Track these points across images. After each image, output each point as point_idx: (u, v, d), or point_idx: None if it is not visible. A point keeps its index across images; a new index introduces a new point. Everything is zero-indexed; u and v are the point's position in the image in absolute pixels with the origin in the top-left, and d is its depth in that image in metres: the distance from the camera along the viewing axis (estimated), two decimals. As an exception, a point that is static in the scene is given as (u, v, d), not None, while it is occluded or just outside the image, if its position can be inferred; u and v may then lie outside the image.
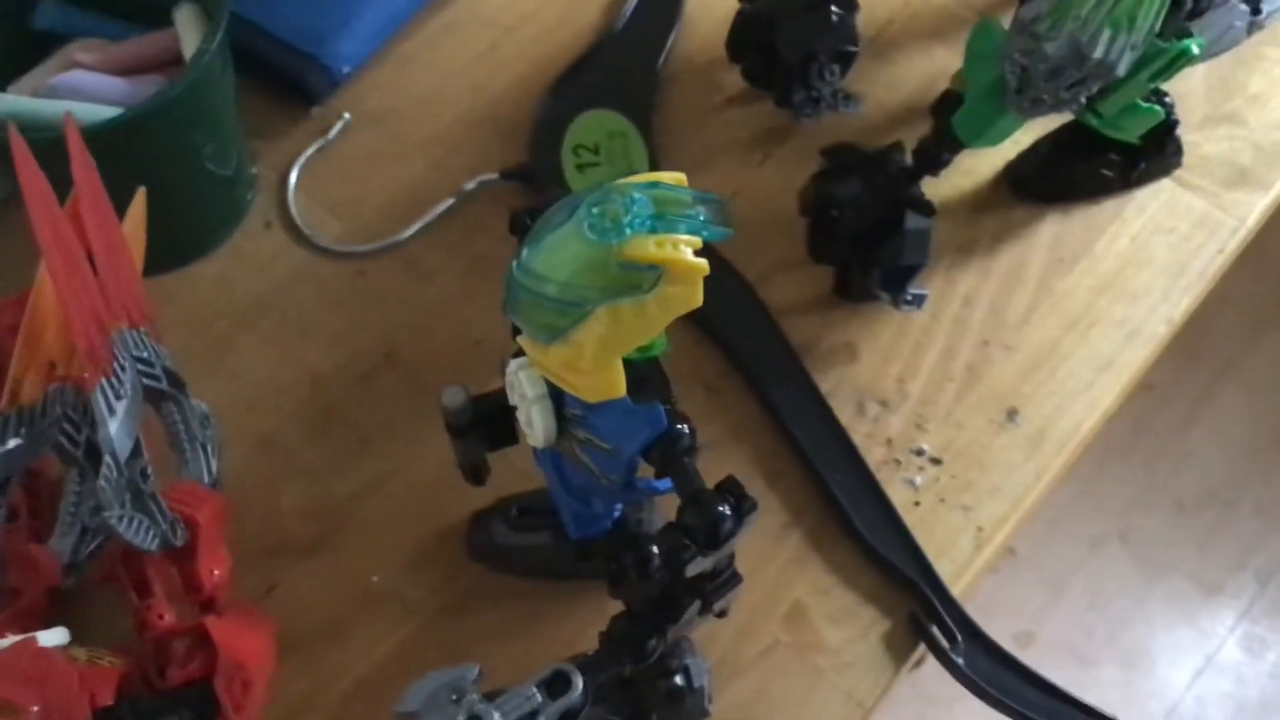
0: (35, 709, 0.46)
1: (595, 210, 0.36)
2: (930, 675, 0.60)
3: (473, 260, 0.72)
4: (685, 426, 0.40)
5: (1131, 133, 0.64)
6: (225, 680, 0.50)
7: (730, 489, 0.39)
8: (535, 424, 0.41)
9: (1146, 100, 0.62)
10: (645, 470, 0.43)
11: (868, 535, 0.62)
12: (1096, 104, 0.61)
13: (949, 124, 0.61)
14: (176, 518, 0.54)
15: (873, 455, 0.65)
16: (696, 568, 0.40)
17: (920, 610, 0.60)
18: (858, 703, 0.59)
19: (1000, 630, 1.43)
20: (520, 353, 0.51)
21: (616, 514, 0.46)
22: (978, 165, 0.73)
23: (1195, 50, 0.58)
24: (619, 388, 0.38)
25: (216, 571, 0.56)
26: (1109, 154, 0.71)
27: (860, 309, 0.69)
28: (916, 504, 0.63)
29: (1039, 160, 0.72)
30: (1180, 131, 0.72)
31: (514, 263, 0.38)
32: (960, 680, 0.58)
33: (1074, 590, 1.66)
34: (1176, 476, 1.70)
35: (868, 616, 0.61)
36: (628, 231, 0.35)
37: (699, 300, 0.36)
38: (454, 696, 0.40)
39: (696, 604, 0.43)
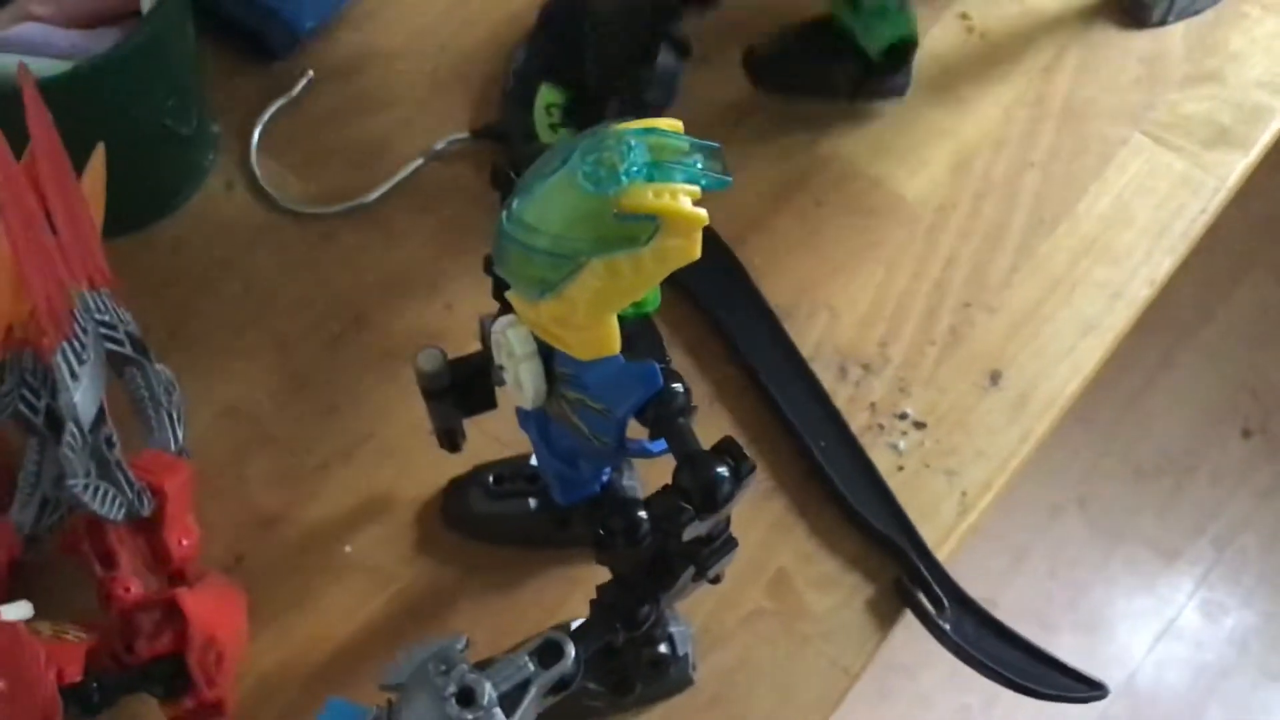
0: (1, 685, 0.44)
1: (590, 158, 0.34)
2: (895, 641, 0.60)
3: (443, 222, 0.70)
4: (680, 386, 0.39)
5: (877, 40, 0.64)
6: (197, 654, 0.49)
7: (728, 450, 0.38)
8: (524, 384, 0.39)
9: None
10: (637, 432, 0.42)
11: (852, 500, 0.61)
12: None
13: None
14: (143, 487, 0.52)
15: (856, 420, 0.64)
16: (693, 532, 0.38)
17: (905, 576, 0.59)
18: (843, 669, 0.59)
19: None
20: (504, 311, 0.50)
21: (605, 478, 0.45)
22: (959, 125, 0.72)
23: None
24: (613, 344, 0.36)
25: (185, 542, 0.55)
26: (844, 60, 0.69)
27: (839, 272, 0.68)
28: (900, 469, 0.63)
29: (776, 45, 0.70)
30: (915, 59, 0.71)
31: (503, 214, 0.36)
32: (947, 646, 0.58)
33: (1034, 557, 1.66)
34: (1134, 444, 1.71)
35: (851, 583, 0.60)
36: (624, 180, 0.34)
37: (697, 253, 0.35)
38: (443, 668, 0.38)
39: (690, 570, 0.42)
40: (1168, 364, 1.77)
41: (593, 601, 0.43)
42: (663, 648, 0.56)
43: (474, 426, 0.57)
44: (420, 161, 0.71)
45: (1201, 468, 1.70)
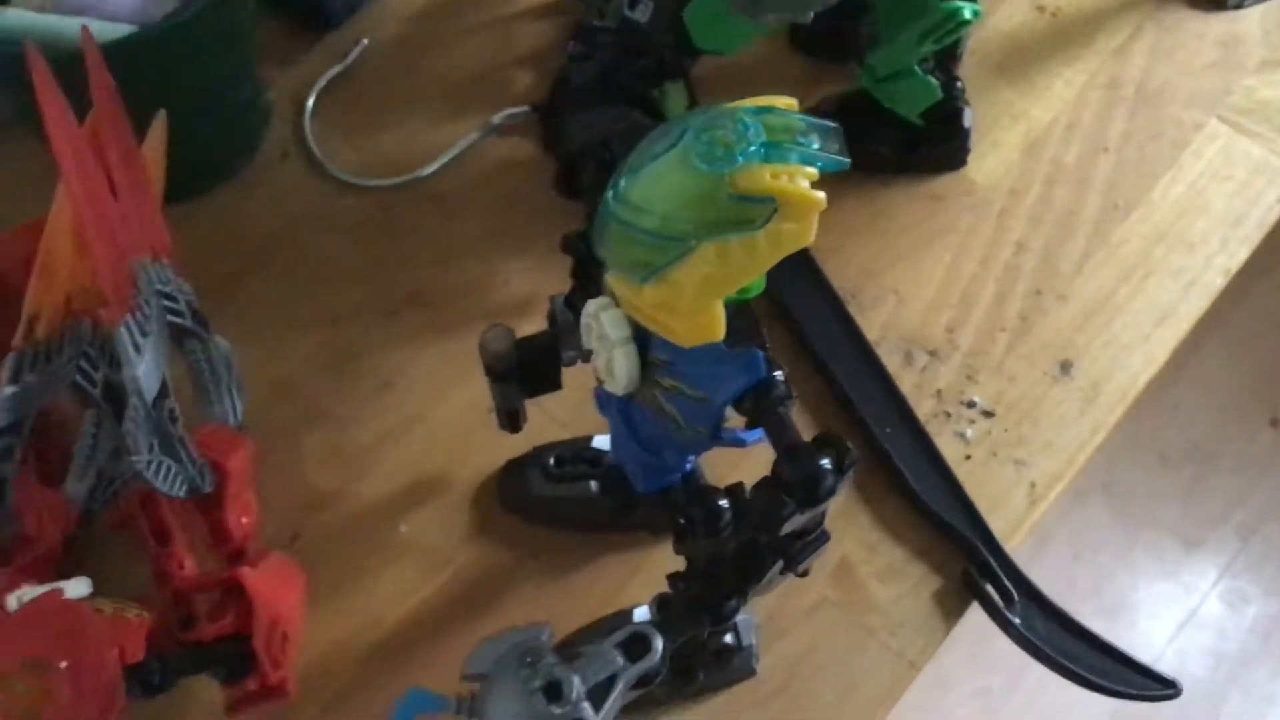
0: (64, 665, 0.43)
1: (704, 137, 0.32)
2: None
3: (500, 198, 0.68)
4: (781, 374, 0.37)
5: (908, 107, 0.62)
6: (264, 635, 0.47)
7: (830, 441, 0.36)
8: (617, 370, 0.38)
9: (930, 74, 0.61)
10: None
11: (918, 490, 0.59)
12: (869, 56, 0.58)
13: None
14: (205, 463, 0.51)
15: (922, 407, 0.62)
16: (791, 525, 0.37)
17: (973, 568, 0.58)
18: (908, 662, 0.57)
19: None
20: (579, 291, 0.49)
21: (688, 466, 0.43)
22: (1030, 107, 0.71)
23: (968, 15, 0.56)
24: (718, 331, 0.35)
25: (245, 520, 0.53)
26: (889, 130, 0.67)
27: (906, 256, 0.66)
28: (968, 457, 0.61)
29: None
30: (970, 125, 0.68)
31: (608, 194, 0.34)
32: (1017, 641, 0.56)
33: (1057, 541, 1.65)
34: (1160, 431, 1.70)
35: (917, 574, 0.59)
36: (740, 160, 0.32)
37: (811, 237, 0.33)
38: (528, 659, 0.37)
39: (779, 564, 0.40)
40: (1194, 350, 1.75)
41: (673, 593, 0.42)
42: (728, 637, 0.55)
43: (534, 406, 0.56)
44: (477, 135, 0.69)
45: (1227, 456, 1.68)
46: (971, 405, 0.62)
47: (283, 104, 0.70)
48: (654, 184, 0.33)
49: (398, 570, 0.59)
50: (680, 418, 0.38)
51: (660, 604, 0.41)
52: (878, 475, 0.61)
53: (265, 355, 0.63)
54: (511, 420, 0.57)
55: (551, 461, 0.59)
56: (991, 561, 0.58)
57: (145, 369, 0.49)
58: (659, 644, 0.39)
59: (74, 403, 0.54)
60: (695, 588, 0.41)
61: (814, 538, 0.39)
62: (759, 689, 0.57)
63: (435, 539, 0.59)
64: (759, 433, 0.38)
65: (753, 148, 0.32)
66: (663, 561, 0.56)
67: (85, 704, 0.43)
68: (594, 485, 0.58)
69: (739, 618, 0.54)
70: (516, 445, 0.59)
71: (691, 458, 0.43)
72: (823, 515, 0.39)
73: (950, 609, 0.58)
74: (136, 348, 0.49)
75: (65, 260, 0.51)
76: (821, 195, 0.33)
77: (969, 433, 0.62)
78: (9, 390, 0.49)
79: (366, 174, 0.68)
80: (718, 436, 0.38)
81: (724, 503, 0.43)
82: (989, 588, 0.57)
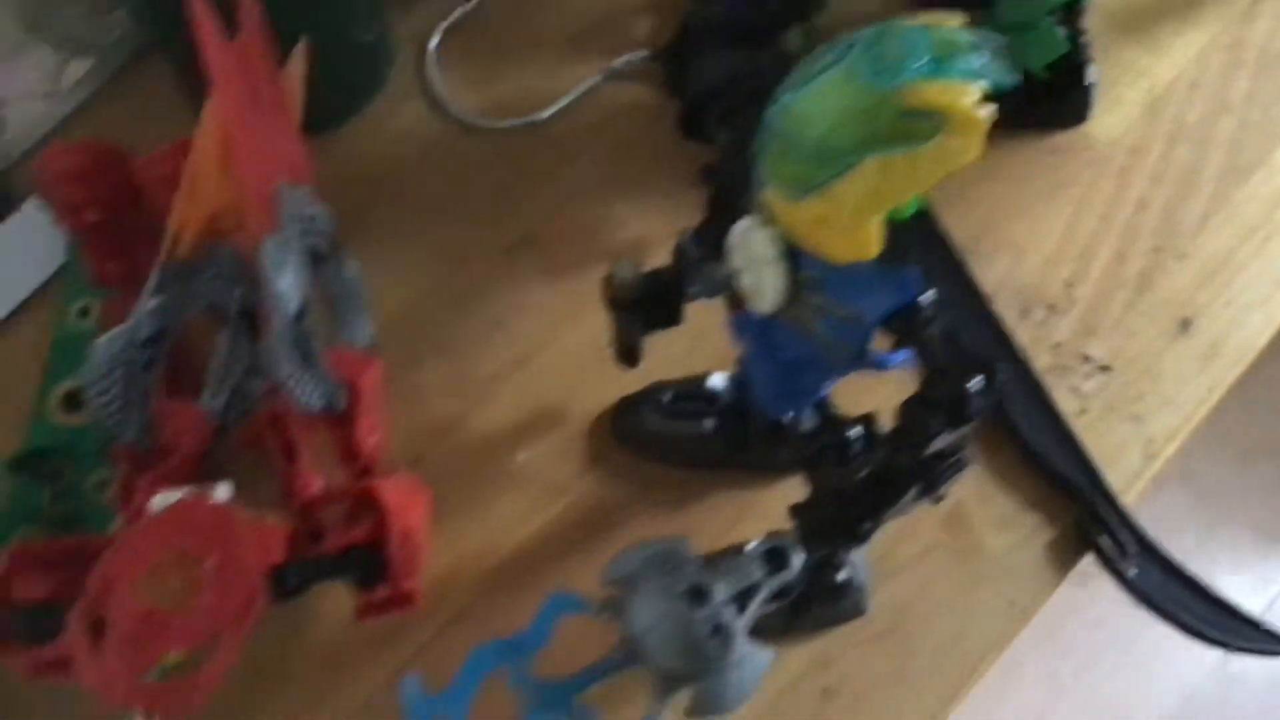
0: (213, 561, 0.44)
1: (872, 51, 0.33)
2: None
3: (618, 144, 0.69)
4: (932, 294, 0.37)
5: (1034, 59, 0.60)
6: (397, 544, 0.49)
7: (979, 362, 0.37)
8: (766, 288, 0.38)
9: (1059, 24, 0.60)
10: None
11: (1033, 441, 0.59)
12: (997, 6, 0.58)
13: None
14: (339, 381, 0.52)
15: (1038, 361, 0.62)
16: (938, 445, 0.37)
17: (1088, 519, 0.58)
18: (1020, 610, 0.58)
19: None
20: (708, 224, 0.49)
21: (823, 393, 0.44)
22: (1153, 65, 0.70)
23: None
24: (873, 247, 0.35)
25: (374, 439, 0.55)
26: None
27: (1025, 210, 0.66)
28: (1083, 411, 0.61)
29: None
30: (1094, 80, 0.67)
31: (771, 108, 0.35)
32: (1131, 593, 0.56)
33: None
34: (1243, 425, 1.67)
35: (1030, 524, 0.59)
36: (908, 75, 0.32)
37: (975, 154, 0.34)
38: (671, 565, 0.38)
39: (916, 489, 0.41)
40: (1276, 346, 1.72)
41: (807, 513, 0.43)
42: (843, 574, 0.55)
43: (647, 346, 0.56)
44: (597, 79, 0.70)
45: (1310, 455, 1.66)
46: (1088, 360, 0.62)
47: (407, 45, 0.71)
48: (819, 98, 0.34)
49: (514, 498, 0.60)
50: (827, 336, 0.38)
51: (798, 522, 0.42)
52: (993, 426, 0.60)
53: (386, 287, 0.64)
54: (629, 355, 0.58)
55: (668, 398, 0.59)
56: (1106, 514, 0.57)
57: (288, 287, 0.50)
58: (798, 558, 0.39)
59: (210, 321, 0.55)
60: (821, 516, 0.41)
61: (954, 461, 0.39)
62: (869, 628, 0.57)
63: (551, 469, 0.61)
64: (903, 355, 0.39)
65: (920, 63, 0.32)
66: (775, 501, 0.57)
67: (231, 599, 0.44)
68: (709, 423, 0.59)
69: (854, 555, 0.55)
70: (631, 382, 0.60)
71: (829, 382, 0.43)
72: (966, 438, 0.39)
73: (1063, 560, 0.58)
74: (279, 265, 0.50)
75: (210, 179, 0.53)
76: (988, 110, 0.33)
77: (1085, 387, 0.62)
78: (153, 303, 0.51)
79: (486, 115, 0.69)
80: (862, 356, 0.38)
81: (856, 431, 0.44)
82: (1103, 540, 0.57)
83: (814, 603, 0.54)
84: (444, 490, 0.60)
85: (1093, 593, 1.50)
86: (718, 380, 0.60)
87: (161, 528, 0.45)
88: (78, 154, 0.55)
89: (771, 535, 0.42)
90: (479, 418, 0.62)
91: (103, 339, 0.50)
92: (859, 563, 0.56)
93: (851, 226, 0.34)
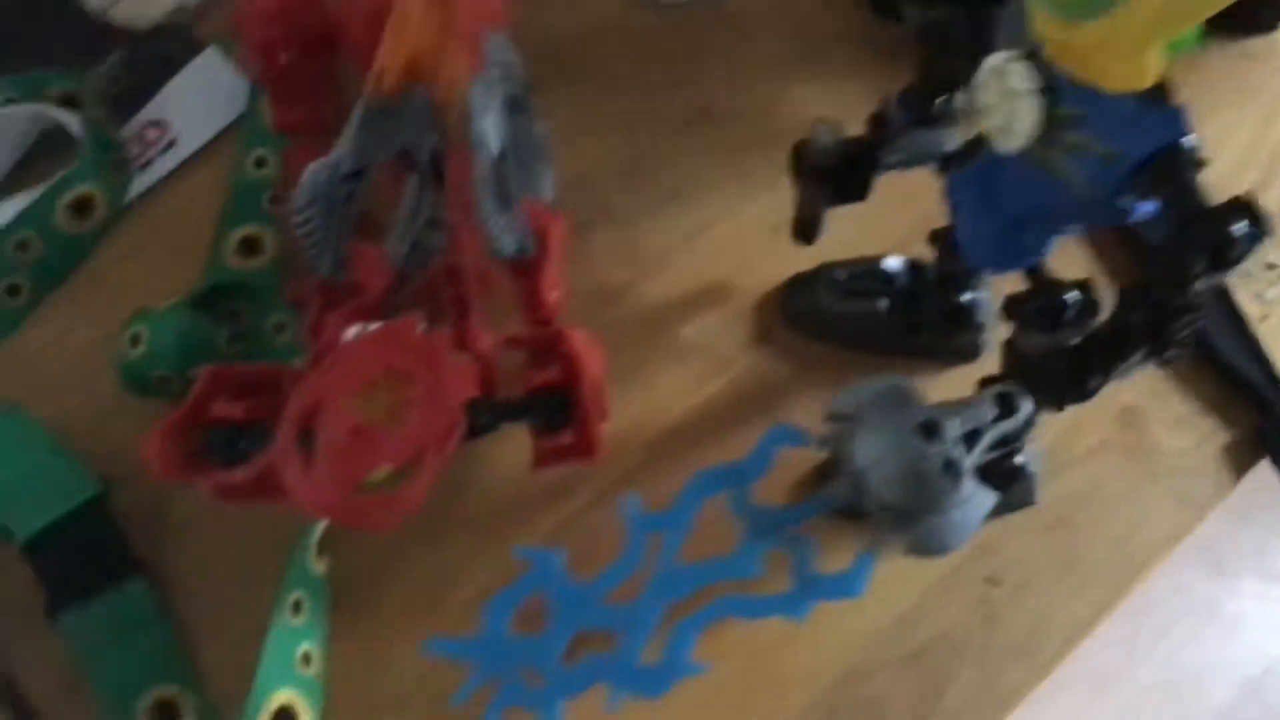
0: (422, 382, 0.45)
1: None
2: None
3: (797, 23, 0.68)
4: (1196, 138, 0.36)
5: None
6: (589, 388, 0.49)
7: (1245, 207, 0.36)
8: (1020, 122, 0.38)
9: None
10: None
11: (1216, 343, 0.58)
12: None
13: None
14: (531, 229, 0.52)
15: (1220, 264, 0.60)
16: (1195, 289, 0.36)
17: (1268, 424, 0.57)
18: (1195, 509, 0.57)
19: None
20: (920, 86, 0.48)
21: (1045, 252, 0.43)
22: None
23: None
24: (1151, 77, 0.34)
25: (555, 294, 0.55)
26: None
27: (1212, 113, 0.64)
28: (1265, 318, 0.60)
29: None
30: None
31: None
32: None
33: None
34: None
35: (1207, 426, 0.58)
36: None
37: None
38: (899, 401, 0.37)
39: (1145, 348, 0.40)
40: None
41: (1027, 359, 0.42)
42: (1020, 458, 0.54)
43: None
44: (778, -44, 0.69)
45: None
46: (1272, 268, 0.61)
47: (582, -84, 0.70)
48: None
49: (678, 369, 0.60)
50: (1079, 178, 0.37)
51: (1025, 375, 0.41)
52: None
53: (560, 153, 0.64)
54: (808, 231, 0.57)
55: (842, 276, 0.59)
56: (1288, 420, 0.56)
57: (490, 126, 0.50)
58: (1027, 406, 0.39)
59: (393, 173, 0.55)
60: (1062, 363, 0.41)
61: (1189, 319, 0.39)
62: (1038, 519, 0.57)
63: (717, 343, 0.60)
64: (1151, 207, 0.38)
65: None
66: (942, 388, 0.56)
67: (436, 421, 0.45)
68: (882, 303, 0.58)
69: (1027, 445, 0.54)
70: (800, 263, 0.60)
71: (1053, 238, 0.42)
72: (1207, 296, 0.38)
73: (1238, 463, 0.58)
74: (484, 106, 0.50)
75: (415, 21, 0.53)
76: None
77: (1269, 294, 0.60)
78: (355, 140, 0.51)
79: (666, -10, 0.68)
80: (1113, 202, 0.37)
81: (1069, 296, 0.43)
82: (1284, 445, 0.56)
83: (990, 483, 0.53)
84: (609, 357, 0.59)
85: (1174, 558, 1.48)
86: (893, 262, 0.59)
87: (376, 345, 0.46)
88: (280, -10, 0.56)
89: (1023, 370, 0.41)
90: (647, 288, 0.62)
91: (308, 169, 0.50)
92: (1034, 451, 0.56)
93: (1133, 52, 0.33)
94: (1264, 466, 0.58)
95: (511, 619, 0.41)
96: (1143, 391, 0.59)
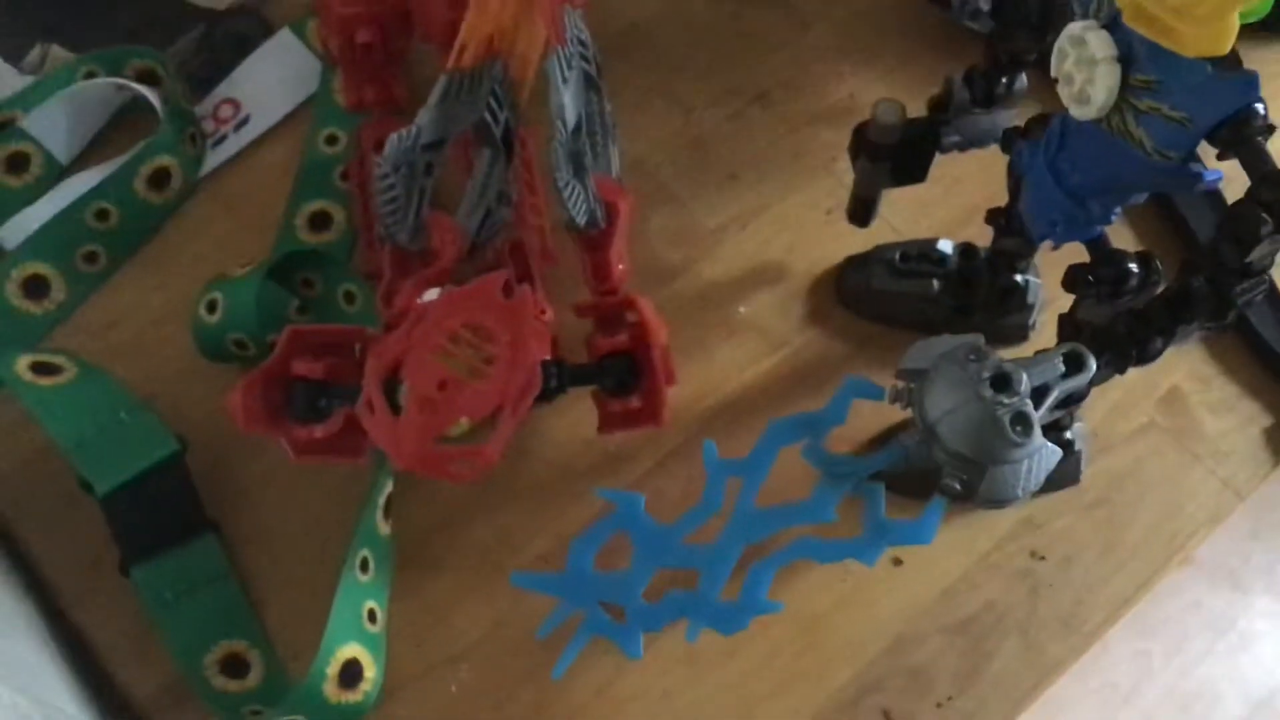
0: (505, 338, 0.47)
1: None
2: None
3: (854, 15, 0.70)
4: (1264, 106, 0.38)
5: None
6: (660, 352, 0.50)
7: (1308, 169, 0.37)
8: (1097, 88, 0.39)
9: None
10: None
11: (1259, 328, 0.60)
12: None
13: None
14: (602, 201, 0.54)
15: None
16: (1260, 251, 0.38)
17: (1311, 409, 0.58)
18: (1234, 491, 0.58)
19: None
20: (985, 67, 0.50)
21: (1111, 220, 0.45)
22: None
23: None
24: (1228, 40, 0.36)
25: (622, 265, 0.57)
26: None
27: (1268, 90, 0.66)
28: (1308, 305, 0.61)
29: None
30: None
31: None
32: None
33: (1237, 516, 1.61)
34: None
35: (1249, 410, 0.60)
36: None
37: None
38: (973, 356, 0.39)
39: (1205, 312, 0.41)
40: None
41: (1087, 327, 0.44)
42: (1068, 434, 0.56)
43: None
44: (835, -51, 0.71)
45: None
46: (1314, 256, 0.62)
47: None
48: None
49: (735, 345, 0.62)
50: (1152, 142, 0.39)
51: (1092, 336, 0.43)
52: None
53: (621, 136, 0.66)
54: (864, 211, 0.59)
55: (899, 256, 0.61)
56: (1331, 404, 0.58)
57: (570, 98, 0.52)
58: (1093, 364, 0.40)
59: (476, 142, 0.57)
60: (1126, 324, 0.42)
61: (1253, 282, 0.40)
62: (1081, 497, 0.58)
63: (772, 321, 0.62)
64: (1218, 175, 0.39)
65: None
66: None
67: (517, 377, 0.47)
68: (935, 284, 0.60)
69: (1078, 422, 0.56)
70: (853, 245, 0.62)
71: (1116, 210, 0.44)
72: (1272, 256, 0.40)
73: (1279, 447, 0.59)
74: (564, 78, 0.52)
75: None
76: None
77: (1311, 282, 0.61)
78: (438, 110, 0.53)
79: (723, -20, 0.70)
80: (1185, 166, 0.39)
81: (1133, 265, 0.45)
82: (1326, 429, 0.57)
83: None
84: (668, 333, 0.61)
85: (1190, 574, 1.49)
86: (945, 244, 0.61)
87: (459, 303, 0.47)
88: (363, -31, 0.58)
89: (1091, 331, 0.43)
90: (705, 267, 0.64)
91: (390, 139, 0.52)
92: (1080, 429, 0.57)
93: (1211, 17, 0.35)
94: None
95: (595, 557, 0.42)
96: (1186, 375, 0.60)
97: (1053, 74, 0.41)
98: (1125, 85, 0.39)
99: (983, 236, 0.56)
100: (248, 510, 0.58)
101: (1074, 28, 0.39)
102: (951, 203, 0.63)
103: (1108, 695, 1.46)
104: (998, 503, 0.39)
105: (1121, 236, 0.63)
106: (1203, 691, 1.45)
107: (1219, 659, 1.47)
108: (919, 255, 0.60)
